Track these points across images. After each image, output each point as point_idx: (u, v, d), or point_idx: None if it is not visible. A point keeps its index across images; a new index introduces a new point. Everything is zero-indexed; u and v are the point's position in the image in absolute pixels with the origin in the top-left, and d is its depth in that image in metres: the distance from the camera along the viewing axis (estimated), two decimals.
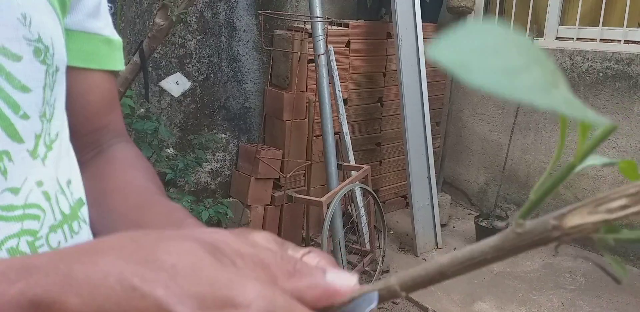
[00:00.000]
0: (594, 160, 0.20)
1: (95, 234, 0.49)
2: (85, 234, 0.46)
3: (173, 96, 2.38)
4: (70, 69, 0.47)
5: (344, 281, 0.26)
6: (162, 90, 2.34)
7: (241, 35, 2.54)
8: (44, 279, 0.22)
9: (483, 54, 0.14)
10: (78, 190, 0.47)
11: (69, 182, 0.45)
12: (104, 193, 0.50)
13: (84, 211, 0.47)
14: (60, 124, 0.45)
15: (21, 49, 0.39)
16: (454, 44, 0.14)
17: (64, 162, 0.46)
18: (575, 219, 0.19)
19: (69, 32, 0.48)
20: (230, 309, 0.21)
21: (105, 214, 0.48)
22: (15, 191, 0.38)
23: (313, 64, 2.48)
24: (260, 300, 0.21)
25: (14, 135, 0.38)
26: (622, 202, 0.19)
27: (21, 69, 0.39)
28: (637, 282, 2.47)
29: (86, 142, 0.54)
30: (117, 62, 0.54)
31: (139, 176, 0.52)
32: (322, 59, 2.39)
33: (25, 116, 0.39)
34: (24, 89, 0.39)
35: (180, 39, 2.35)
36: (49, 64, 0.41)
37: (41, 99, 0.41)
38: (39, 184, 0.41)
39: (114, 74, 0.56)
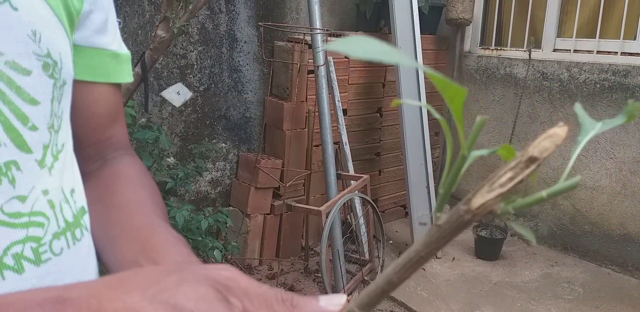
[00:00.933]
0: (480, 151, 0.25)
1: (94, 241, 0.51)
2: (86, 241, 0.48)
3: (174, 106, 2.40)
4: (76, 82, 0.49)
5: (335, 301, 0.29)
6: (164, 100, 2.37)
7: (242, 46, 2.58)
8: (68, 289, 0.24)
9: (363, 44, 0.22)
10: (81, 199, 0.49)
11: (72, 192, 0.47)
12: (108, 206, 0.51)
13: (86, 219, 0.49)
14: (66, 135, 0.47)
15: (31, 64, 0.41)
16: (346, 41, 0.22)
17: (68, 172, 0.47)
18: (478, 200, 0.22)
19: (76, 48, 0.50)
20: None
21: (107, 226, 0.50)
22: (22, 199, 0.40)
23: (313, 75, 2.51)
24: None
25: (23, 146, 0.40)
26: (509, 175, 0.22)
27: (30, 82, 0.41)
28: (635, 292, 2.47)
29: (90, 153, 0.55)
30: (124, 75, 0.56)
31: (143, 194, 0.54)
32: (322, 70, 2.42)
33: (34, 127, 0.41)
34: (33, 101, 0.41)
35: (181, 50, 2.39)
36: (57, 78, 0.43)
37: (49, 111, 0.43)
38: (45, 192, 0.43)
39: (120, 86, 0.57)
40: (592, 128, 0.26)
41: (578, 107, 0.26)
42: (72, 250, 0.45)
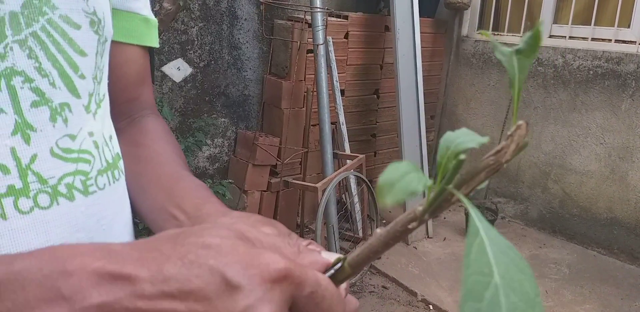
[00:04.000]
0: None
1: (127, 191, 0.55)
2: (122, 182, 0.53)
3: (174, 81, 2.42)
4: (111, 43, 0.53)
5: (332, 256, 0.34)
6: (164, 75, 2.38)
7: (242, 23, 2.59)
8: (122, 259, 0.27)
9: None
10: (116, 146, 0.53)
11: (110, 138, 0.52)
12: (138, 159, 0.56)
13: (121, 164, 0.53)
14: (105, 87, 0.52)
15: (80, 20, 0.45)
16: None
17: (107, 120, 0.52)
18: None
19: (113, 11, 0.54)
20: (264, 269, 0.28)
21: (137, 177, 0.55)
22: (72, 137, 0.45)
23: (312, 54, 2.53)
24: (285, 263, 0.28)
25: (74, 91, 0.45)
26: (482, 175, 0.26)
27: (80, 36, 0.45)
28: (619, 273, 2.55)
29: (120, 111, 0.60)
30: (153, 40, 0.61)
31: (168, 149, 0.58)
32: (321, 49, 2.44)
33: (82, 76, 0.45)
34: (82, 53, 0.45)
35: (182, 26, 2.39)
36: (101, 35, 0.48)
37: (94, 63, 0.47)
38: (90, 134, 0.47)
39: (148, 50, 0.62)
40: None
41: None
42: (112, 187, 0.50)
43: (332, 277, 0.32)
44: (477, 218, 0.22)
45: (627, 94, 2.59)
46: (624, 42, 2.63)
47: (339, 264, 0.32)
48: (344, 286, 0.34)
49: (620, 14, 2.63)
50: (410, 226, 0.28)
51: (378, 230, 0.30)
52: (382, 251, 0.30)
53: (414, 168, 0.25)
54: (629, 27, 2.62)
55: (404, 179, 0.24)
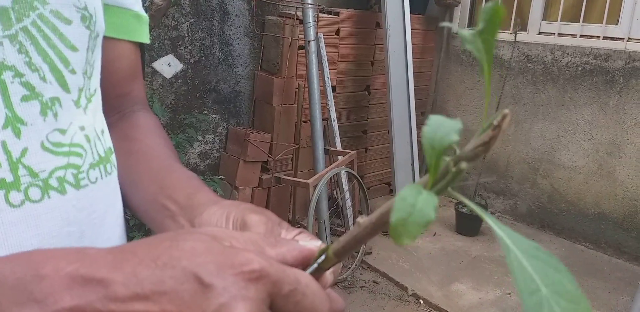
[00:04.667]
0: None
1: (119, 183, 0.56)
2: (115, 176, 0.53)
3: (165, 77, 2.41)
4: (103, 38, 0.53)
5: (312, 243, 0.34)
6: (154, 71, 2.37)
7: (233, 19, 2.58)
8: (95, 263, 0.27)
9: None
10: (108, 140, 0.54)
11: (102, 132, 0.52)
12: (129, 153, 0.57)
13: (114, 158, 0.54)
14: (97, 82, 0.52)
15: (71, 15, 0.45)
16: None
17: (99, 115, 0.52)
18: None
19: (105, 6, 0.55)
20: (238, 269, 0.27)
21: (129, 171, 0.55)
22: (62, 131, 0.45)
23: (303, 51, 2.53)
24: (260, 263, 0.28)
25: (64, 86, 0.45)
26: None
27: (71, 31, 0.45)
28: (606, 267, 2.59)
29: (111, 106, 0.60)
30: (144, 36, 0.61)
31: (160, 142, 0.59)
32: (312, 46, 2.44)
33: (73, 71, 0.46)
34: (73, 48, 0.46)
35: (173, 22, 2.39)
36: (92, 30, 0.48)
37: (85, 58, 0.48)
38: (82, 128, 0.48)
39: (139, 46, 0.62)
40: None
41: None
42: (104, 181, 0.50)
43: (315, 269, 0.32)
44: (499, 229, 0.23)
45: (615, 90, 2.62)
46: (612, 38, 2.66)
47: (323, 257, 0.32)
48: (329, 279, 0.34)
49: (608, 11, 2.65)
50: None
51: (360, 220, 0.30)
52: (367, 239, 0.30)
53: (417, 191, 0.23)
54: (617, 24, 2.65)
55: (415, 211, 0.23)
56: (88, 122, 0.49)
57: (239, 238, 0.32)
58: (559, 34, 2.84)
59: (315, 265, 0.32)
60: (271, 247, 0.32)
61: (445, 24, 3.14)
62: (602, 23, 2.68)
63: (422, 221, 0.22)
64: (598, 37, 2.70)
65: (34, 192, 0.42)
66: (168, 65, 2.40)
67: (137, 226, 2.02)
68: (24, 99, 0.42)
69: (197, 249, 0.28)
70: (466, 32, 0.24)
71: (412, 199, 0.23)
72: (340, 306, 0.33)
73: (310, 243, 0.34)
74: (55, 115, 0.44)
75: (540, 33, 2.94)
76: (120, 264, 0.27)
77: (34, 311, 0.25)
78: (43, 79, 0.43)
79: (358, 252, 2.53)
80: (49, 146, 0.44)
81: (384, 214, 0.28)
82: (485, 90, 0.25)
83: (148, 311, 0.25)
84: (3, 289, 0.26)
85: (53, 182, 0.44)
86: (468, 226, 2.84)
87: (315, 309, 0.29)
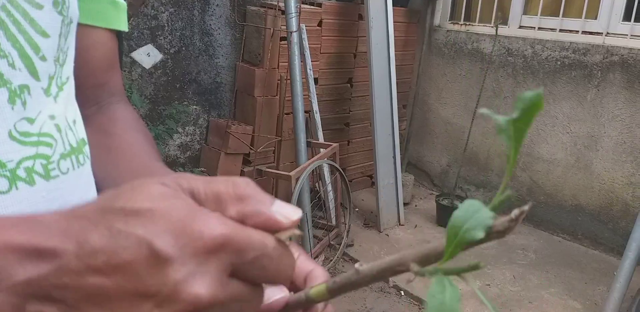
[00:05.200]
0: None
1: (95, 178, 0.54)
2: (88, 167, 0.51)
3: (144, 68, 2.36)
4: (78, 26, 0.51)
5: (287, 213, 0.28)
6: (133, 62, 2.32)
7: (214, 9, 2.54)
8: (47, 231, 0.25)
9: None
10: (81, 131, 0.52)
11: (74, 122, 0.50)
12: (109, 149, 0.55)
13: (87, 149, 0.52)
14: (70, 70, 0.50)
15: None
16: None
17: (71, 104, 0.50)
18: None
19: None
20: (198, 239, 0.25)
21: (108, 167, 0.54)
22: (30, 121, 0.43)
23: (285, 42, 2.50)
24: (222, 229, 0.26)
25: (34, 73, 0.43)
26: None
27: (42, 16, 0.43)
28: (583, 259, 2.64)
29: (87, 97, 0.58)
30: (121, 23, 0.59)
31: (140, 139, 0.57)
32: (295, 37, 2.42)
33: (43, 58, 0.44)
34: (44, 34, 0.44)
35: (152, 11, 2.34)
36: (65, 15, 0.46)
37: (57, 45, 0.45)
38: (52, 117, 0.46)
39: (116, 34, 0.60)
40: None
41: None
42: (76, 172, 0.48)
43: (305, 300, 0.32)
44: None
45: (593, 84, 2.65)
46: (591, 33, 2.70)
47: (294, 231, 0.28)
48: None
49: (587, 5, 2.68)
50: (392, 276, 0.29)
51: (359, 267, 0.29)
52: (364, 286, 0.30)
53: (442, 289, 0.24)
54: (595, 18, 2.68)
55: (446, 308, 0.24)
56: (59, 111, 0.47)
57: (201, 190, 0.28)
58: (539, 28, 2.87)
59: (302, 295, 0.32)
60: (235, 202, 0.28)
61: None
62: (581, 18, 2.71)
63: None
64: (577, 31, 2.74)
65: (1, 183, 0.40)
66: (147, 56, 2.35)
67: None
68: None
69: (155, 212, 0.26)
70: (501, 119, 0.23)
71: (441, 296, 0.24)
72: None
73: (283, 209, 0.28)
74: (24, 103, 0.42)
75: (520, 27, 2.96)
76: (73, 231, 0.25)
77: None
78: (12, 65, 0.41)
79: (340, 245, 2.53)
80: (17, 135, 0.42)
81: (386, 269, 0.28)
82: (507, 172, 0.25)
83: (102, 285, 0.24)
84: None
85: (21, 172, 0.42)
86: (449, 218, 2.85)
87: (281, 272, 0.28)
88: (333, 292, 0.31)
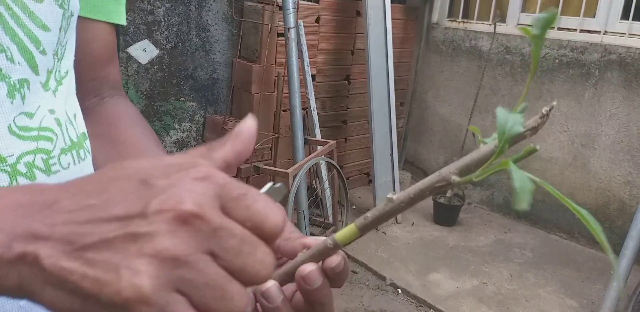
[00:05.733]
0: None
1: (97, 169, 0.53)
2: (89, 162, 0.51)
3: (140, 63, 2.34)
4: (78, 19, 0.51)
5: (245, 124, 0.31)
6: (129, 57, 2.30)
7: (211, 5, 2.52)
8: (41, 191, 0.27)
9: None
10: (82, 125, 0.51)
11: (75, 116, 0.50)
12: (114, 141, 0.55)
13: (87, 144, 0.51)
14: (69, 64, 0.49)
15: None
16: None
17: (71, 98, 0.50)
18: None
19: None
20: (184, 172, 0.26)
21: (112, 158, 0.53)
22: (29, 115, 0.43)
23: (282, 38, 2.49)
24: (207, 167, 0.27)
25: (34, 67, 0.43)
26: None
27: (42, 9, 0.43)
28: (579, 257, 2.64)
29: (88, 89, 0.58)
30: (121, 17, 0.58)
31: (146, 132, 0.58)
32: (292, 33, 2.40)
33: (43, 52, 0.43)
34: (45, 28, 0.43)
35: (149, 6, 2.31)
36: (66, 9, 0.45)
37: (57, 38, 0.45)
38: (51, 112, 0.45)
39: (116, 28, 0.60)
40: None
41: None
42: (77, 167, 0.48)
43: (334, 245, 0.32)
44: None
45: (590, 82, 2.65)
46: (589, 31, 2.69)
47: (274, 184, 0.32)
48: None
49: (585, 4, 2.68)
50: (437, 185, 0.30)
51: (392, 196, 0.30)
52: (396, 215, 0.31)
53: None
54: (594, 17, 2.68)
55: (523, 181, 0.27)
56: (59, 105, 0.46)
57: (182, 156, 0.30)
58: None
59: (329, 241, 0.32)
60: (213, 151, 0.30)
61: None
62: (579, 16, 2.71)
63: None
64: (575, 29, 2.73)
65: (2, 178, 0.40)
66: (143, 51, 2.32)
67: None
68: None
69: (144, 164, 0.27)
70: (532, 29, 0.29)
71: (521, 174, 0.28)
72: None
73: (241, 124, 0.32)
74: (23, 97, 0.42)
75: (519, 25, 2.95)
76: (66, 187, 0.27)
77: None
78: (11, 60, 0.40)
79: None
80: (16, 130, 0.42)
81: (424, 190, 0.30)
82: (531, 73, 0.30)
83: (92, 215, 0.25)
84: None
85: (21, 167, 0.41)
86: (445, 216, 2.86)
87: (269, 214, 0.26)
88: (365, 227, 0.32)
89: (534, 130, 0.29)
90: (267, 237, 0.26)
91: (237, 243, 0.25)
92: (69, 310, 0.24)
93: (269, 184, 0.32)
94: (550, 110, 0.28)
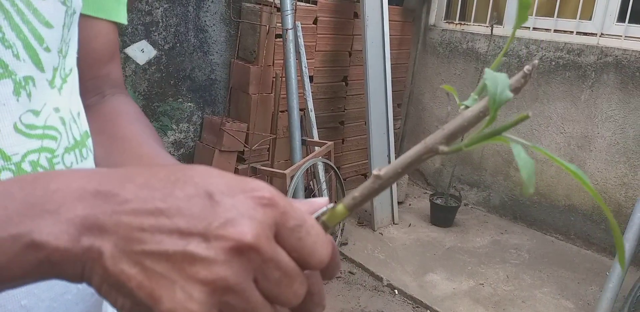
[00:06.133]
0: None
1: (97, 166, 0.53)
2: (91, 160, 0.51)
3: (138, 64, 2.34)
4: (80, 16, 0.51)
5: (319, 202, 0.33)
6: (127, 58, 2.30)
7: (209, 5, 2.52)
8: (106, 178, 0.28)
9: None
10: (85, 123, 0.51)
11: (78, 114, 0.50)
12: (113, 138, 0.55)
13: (90, 142, 0.51)
14: (73, 61, 0.49)
15: None
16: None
17: (75, 96, 0.50)
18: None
19: None
20: (249, 193, 0.27)
21: (114, 155, 0.54)
22: (36, 113, 0.43)
23: (280, 39, 2.49)
24: (272, 191, 0.28)
25: (38, 64, 0.43)
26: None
27: (46, 6, 0.43)
28: (575, 258, 2.65)
29: (88, 87, 0.58)
30: (122, 16, 0.59)
31: (147, 130, 0.58)
32: (290, 34, 2.41)
33: (47, 49, 0.43)
34: (48, 25, 0.43)
35: (147, 6, 2.31)
36: (69, 6, 0.45)
37: (60, 36, 0.45)
38: (56, 110, 0.45)
39: (117, 26, 0.60)
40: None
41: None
42: (80, 165, 0.48)
43: (320, 220, 0.31)
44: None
45: (587, 85, 2.67)
46: (585, 34, 2.71)
47: (330, 206, 0.32)
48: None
49: (582, 6, 2.69)
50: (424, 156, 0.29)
51: (379, 172, 0.29)
52: (381, 191, 0.30)
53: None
54: (590, 19, 2.70)
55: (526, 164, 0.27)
56: (63, 103, 0.46)
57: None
58: (534, 29, 2.88)
59: (318, 212, 0.32)
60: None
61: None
62: (575, 18, 2.72)
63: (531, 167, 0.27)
64: (571, 32, 2.75)
65: (6, 177, 0.40)
66: (141, 52, 2.33)
67: None
68: None
69: (210, 171, 0.28)
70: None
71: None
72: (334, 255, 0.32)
73: (319, 200, 0.33)
74: (29, 95, 0.41)
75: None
76: (132, 177, 0.27)
77: (47, 221, 0.26)
78: (17, 56, 0.40)
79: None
80: (22, 128, 0.41)
81: (412, 163, 0.29)
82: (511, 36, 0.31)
83: (156, 221, 0.26)
84: (14, 204, 0.26)
85: (26, 166, 0.41)
86: (442, 217, 2.87)
87: (317, 249, 0.28)
88: (354, 207, 0.31)
89: (517, 90, 0.28)
90: (310, 269, 0.28)
91: (280, 275, 0.27)
92: (120, 307, 0.26)
93: (324, 208, 0.32)
94: (532, 69, 0.27)
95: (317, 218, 0.31)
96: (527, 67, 0.27)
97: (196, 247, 0.25)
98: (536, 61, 0.28)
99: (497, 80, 0.27)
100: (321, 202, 0.33)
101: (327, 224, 0.31)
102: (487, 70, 0.28)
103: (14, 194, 0.27)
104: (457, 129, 0.28)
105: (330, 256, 0.29)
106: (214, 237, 0.25)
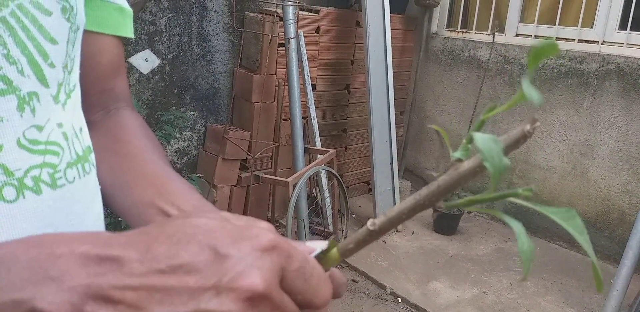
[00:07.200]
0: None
1: (101, 183, 0.54)
2: (94, 175, 0.51)
3: (142, 73, 2.36)
4: (84, 32, 0.51)
5: (317, 245, 0.34)
6: (131, 67, 2.32)
7: (212, 15, 2.54)
8: (109, 243, 0.27)
9: None
10: (87, 138, 0.52)
11: (80, 130, 0.50)
12: (118, 155, 0.55)
13: (92, 157, 0.52)
14: (76, 77, 0.50)
15: (51, 6, 0.43)
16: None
17: (77, 112, 0.50)
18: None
19: None
20: (253, 240, 0.28)
21: (119, 172, 0.54)
22: (39, 128, 0.43)
23: (283, 48, 2.51)
24: (274, 236, 0.28)
25: (43, 80, 0.43)
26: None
27: (51, 23, 0.43)
28: (579, 266, 2.64)
29: (94, 103, 0.58)
30: (128, 30, 0.59)
31: (149, 145, 0.58)
32: (292, 43, 2.42)
33: (52, 65, 0.44)
34: (53, 41, 0.44)
35: (150, 16, 2.34)
36: (73, 22, 0.46)
37: (65, 51, 0.45)
38: (60, 125, 0.45)
39: (122, 41, 0.60)
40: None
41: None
42: (82, 180, 0.48)
43: (318, 259, 0.32)
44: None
45: (589, 92, 2.67)
46: (587, 41, 2.71)
47: (325, 246, 0.32)
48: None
49: (583, 14, 2.70)
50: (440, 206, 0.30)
51: (373, 227, 0.30)
52: (374, 241, 0.31)
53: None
54: (592, 27, 2.70)
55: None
56: (66, 119, 0.46)
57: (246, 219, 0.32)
58: (536, 36, 2.89)
59: (317, 251, 0.32)
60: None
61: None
62: (577, 26, 2.73)
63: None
64: (573, 39, 2.75)
65: (9, 192, 0.40)
66: (145, 61, 2.35)
67: (111, 224, 1.97)
68: (1, 93, 0.39)
69: (211, 225, 0.28)
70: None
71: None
72: (341, 284, 0.34)
73: (317, 243, 0.34)
74: (33, 110, 0.42)
75: (517, 35, 2.98)
76: (134, 243, 0.27)
77: (50, 288, 0.25)
78: (21, 72, 0.41)
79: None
80: (25, 143, 0.42)
81: (406, 216, 0.30)
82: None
83: (165, 284, 0.26)
84: (17, 268, 0.26)
85: (28, 181, 0.42)
86: (446, 225, 2.86)
87: (320, 289, 0.29)
88: (347, 254, 0.32)
89: (515, 147, 0.28)
90: (314, 309, 0.29)
91: None
92: None
93: (320, 248, 0.32)
94: (533, 130, 0.27)
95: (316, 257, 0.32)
96: (527, 129, 0.27)
97: (208, 303, 0.25)
98: (538, 123, 0.27)
99: (491, 149, 0.27)
100: (318, 246, 0.33)
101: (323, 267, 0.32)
102: (477, 136, 0.27)
103: (18, 257, 0.26)
104: (452, 186, 0.29)
105: (332, 295, 0.30)
106: (226, 291, 0.26)
